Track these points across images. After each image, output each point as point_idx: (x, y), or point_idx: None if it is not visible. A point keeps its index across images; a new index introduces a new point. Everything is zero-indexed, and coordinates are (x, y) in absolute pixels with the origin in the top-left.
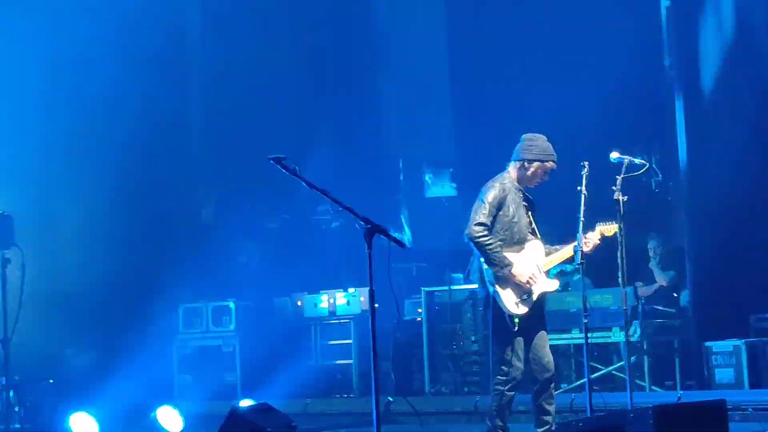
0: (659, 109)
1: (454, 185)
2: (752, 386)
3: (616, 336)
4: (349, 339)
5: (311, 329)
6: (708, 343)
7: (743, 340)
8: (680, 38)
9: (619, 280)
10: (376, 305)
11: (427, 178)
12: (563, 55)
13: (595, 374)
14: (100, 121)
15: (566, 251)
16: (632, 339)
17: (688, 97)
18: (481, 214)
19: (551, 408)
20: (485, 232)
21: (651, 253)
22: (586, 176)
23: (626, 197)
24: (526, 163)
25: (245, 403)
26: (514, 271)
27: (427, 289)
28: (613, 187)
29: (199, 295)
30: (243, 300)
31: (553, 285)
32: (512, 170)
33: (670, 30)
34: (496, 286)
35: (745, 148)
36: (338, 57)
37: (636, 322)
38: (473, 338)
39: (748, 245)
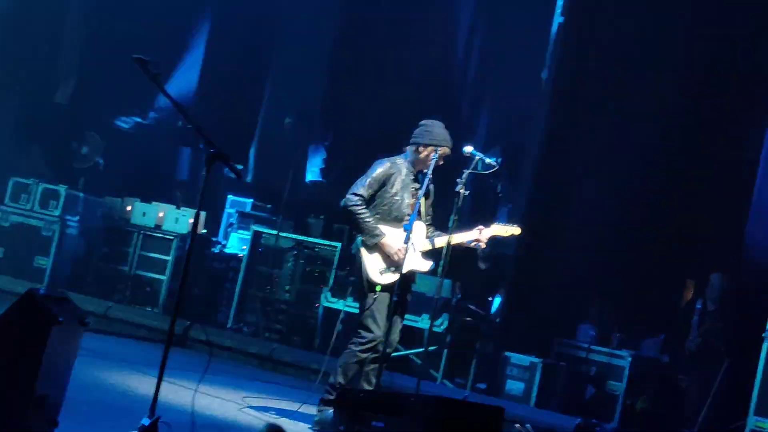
0: (525, 117)
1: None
2: (538, 405)
3: (423, 322)
4: (168, 256)
5: (134, 236)
6: (507, 353)
7: (541, 360)
8: (563, 56)
9: (439, 269)
10: (204, 231)
11: (286, 121)
12: (447, 40)
13: (394, 354)
14: None
15: (453, 239)
16: (437, 329)
17: (555, 114)
18: (361, 186)
19: (373, 381)
20: (359, 202)
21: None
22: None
23: (468, 192)
24: (420, 148)
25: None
26: (384, 241)
27: (256, 228)
28: (458, 180)
29: (32, 173)
30: (74, 190)
31: (425, 265)
32: (409, 153)
33: (557, 46)
34: (362, 252)
35: (597, 175)
36: None
37: (446, 315)
38: (287, 287)
39: (569, 268)
